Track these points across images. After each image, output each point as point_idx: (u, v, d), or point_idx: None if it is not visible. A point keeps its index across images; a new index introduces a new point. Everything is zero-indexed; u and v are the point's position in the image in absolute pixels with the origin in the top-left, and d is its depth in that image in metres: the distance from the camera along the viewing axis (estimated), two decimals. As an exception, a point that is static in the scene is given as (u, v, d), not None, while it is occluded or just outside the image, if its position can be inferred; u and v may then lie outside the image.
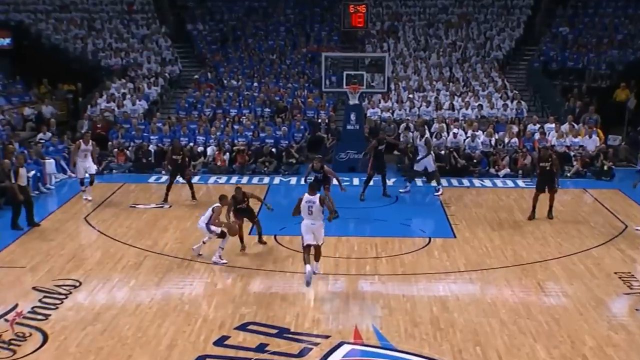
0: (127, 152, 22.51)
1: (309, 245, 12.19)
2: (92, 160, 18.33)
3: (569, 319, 11.17)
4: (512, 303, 11.74)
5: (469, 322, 11.00)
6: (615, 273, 13.09)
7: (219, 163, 22.06)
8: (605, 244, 14.80)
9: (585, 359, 9.86)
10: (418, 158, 19.02)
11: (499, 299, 11.94)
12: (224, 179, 21.15)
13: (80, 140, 18.46)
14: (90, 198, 18.03)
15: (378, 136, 19.42)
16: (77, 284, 12.43)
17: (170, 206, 17.72)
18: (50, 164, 20.02)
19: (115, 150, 22.45)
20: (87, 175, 18.29)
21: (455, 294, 12.12)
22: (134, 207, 17.69)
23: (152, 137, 22.90)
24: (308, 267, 11.98)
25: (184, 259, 13.70)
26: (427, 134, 20.07)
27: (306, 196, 12.26)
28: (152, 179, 21.16)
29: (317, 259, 12.56)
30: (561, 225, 16.07)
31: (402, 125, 23.72)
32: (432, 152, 19.20)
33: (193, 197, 18.07)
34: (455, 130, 22.49)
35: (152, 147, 22.57)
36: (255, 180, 20.95)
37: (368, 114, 24.86)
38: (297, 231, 14.77)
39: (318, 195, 12.27)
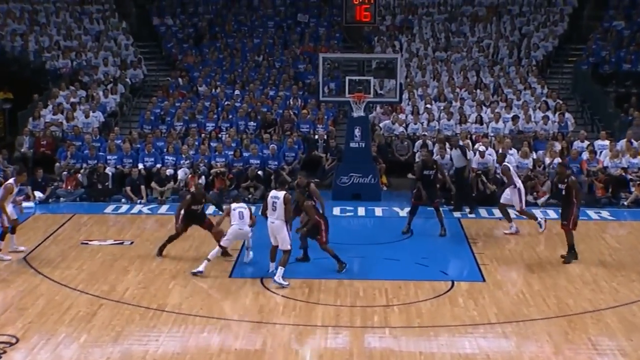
0: (79, 175, 22.53)
1: (275, 247, 14.80)
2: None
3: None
4: (556, 363, 11.69)
5: (502, 386, 10.93)
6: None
7: (192, 189, 22.05)
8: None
9: None
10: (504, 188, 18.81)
11: (540, 358, 11.88)
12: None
13: (12, 182, 16.54)
14: (22, 248, 17.00)
15: (425, 157, 19.33)
16: (14, 340, 12.34)
17: (132, 242, 17.68)
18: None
19: (64, 173, 22.47)
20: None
21: (485, 352, 12.06)
22: (87, 243, 17.65)
23: (109, 158, 22.93)
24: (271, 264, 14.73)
25: (148, 308, 13.64)
26: (465, 151, 20.82)
27: (272, 191, 14.88)
28: (109, 208, 21.13)
29: (282, 263, 14.53)
30: (617, 267, 16.03)
31: (418, 143, 23.78)
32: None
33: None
34: (482, 148, 22.53)
35: (109, 170, 22.59)
36: (236, 210, 20.97)
37: (376, 129, 24.95)
38: (288, 273, 14.81)
39: (284, 192, 14.49)
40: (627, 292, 14.49)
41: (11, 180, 16.69)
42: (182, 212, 16.18)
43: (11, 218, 16.39)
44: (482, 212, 20.81)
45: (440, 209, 18.70)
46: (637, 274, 15.57)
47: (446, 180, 20.02)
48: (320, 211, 15.83)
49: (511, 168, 18.62)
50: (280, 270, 14.49)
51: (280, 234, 14.59)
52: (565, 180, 16.20)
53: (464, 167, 20.74)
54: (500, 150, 22.57)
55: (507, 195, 18.37)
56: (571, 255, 16.19)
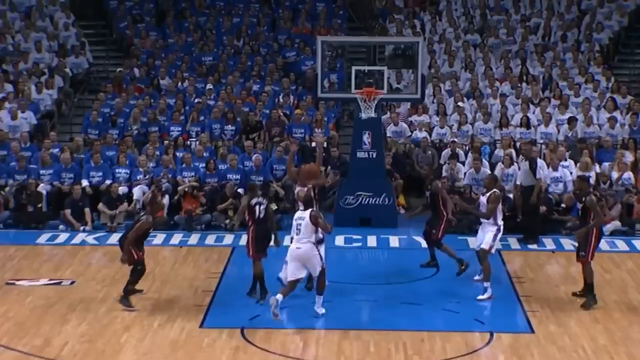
0: (2, 194, 22.51)
1: (293, 282, 15.27)
2: None
3: None
4: None
5: None
6: None
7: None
8: None
9: None
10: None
11: None
12: (160, 237, 21.11)
13: None
14: None
15: (424, 173, 19.38)
16: None
17: (73, 282, 17.66)
18: None
19: (-17, 192, 22.51)
20: None
21: None
22: (13, 284, 17.63)
23: (43, 172, 22.91)
24: (278, 296, 14.83)
25: (93, 368, 13.64)
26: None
27: (297, 213, 15.53)
28: (43, 238, 21.12)
29: (318, 291, 15.47)
30: None
31: (446, 152, 23.82)
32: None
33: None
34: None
35: (43, 188, 22.57)
36: (211, 239, 21.01)
37: (389, 134, 25.00)
38: (274, 322, 14.80)
39: (309, 210, 15.17)
40: None
41: None
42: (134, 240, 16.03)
43: None
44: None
45: (442, 243, 18.17)
46: None
47: (446, 205, 18.28)
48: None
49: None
50: (319, 299, 15.48)
51: (312, 258, 15.27)
52: (584, 198, 16.11)
53: (532, 187, 20.54)
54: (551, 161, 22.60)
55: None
56: (591, 298, 16.10)
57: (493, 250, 16.84)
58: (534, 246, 20.49)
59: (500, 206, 16.81)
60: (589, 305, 15.97)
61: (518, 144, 24.14)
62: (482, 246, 16.58)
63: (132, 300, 15.75)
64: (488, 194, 16.59)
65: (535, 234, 20.80)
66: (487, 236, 16.64)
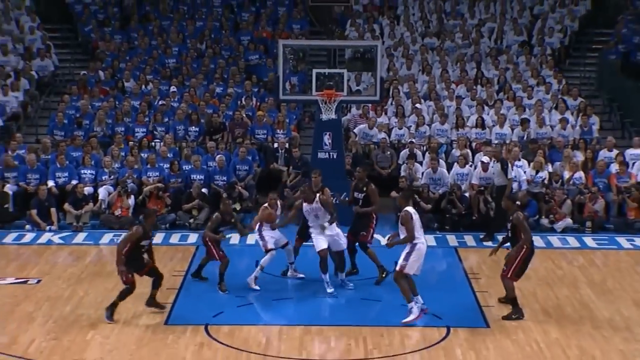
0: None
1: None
2: None
3: None
4: None
5: None
6: None
7: (118, 212, 21.97)
8: None
9: None
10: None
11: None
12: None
13: None
14: None
15: (358, 174, 18.52)
16: None
17: (39, 281, 17.56)
18: None
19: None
20: None
21: (491, 417, 12.12)
22: (-20, 282, 17.54)
23: (7, 174, 22.74)
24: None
25: (59, 365, 13.57)
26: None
27: (305, 205, 15.94)
28: (10, 237, 20.98)
29: (339, 268, 16.77)
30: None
31: (404, 152, 23.89)
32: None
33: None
34: (485, 159, 22.63)
35: (9, 188, 22.43)
36: (175, 238, 20.99)
37: (351, 135, 25.03)
38: (238, 319, 14.80)
39: (317, 197, 15.83)
40: (668, 340, 14.61)
41: None
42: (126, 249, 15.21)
43: None
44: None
45: (369, 246, 17.69)
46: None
47: (373, 209, 17.77)
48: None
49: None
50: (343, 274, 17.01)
51: (339, 233, 16.71)
52: (510, 217, 15.54)
53: (505, 187, 20.55)
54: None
55: None
56: (515, 311, 15.44)
57: (411, 271, 15.14)
58: (489, 243, 20.58)
59: (417, 224, 15.32)
60: (509, 318, 15.32)
61: (474, 144, 24.27)
62: (396, 268, 15.17)
63: (114, 316, 15.03)
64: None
65: (493, 233, 20.79)
66: (401, 256, 15.22)
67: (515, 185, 21.96)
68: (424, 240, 15.32)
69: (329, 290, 16.48)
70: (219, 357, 13.80)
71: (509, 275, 15.32)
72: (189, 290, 16.96)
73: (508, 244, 15.69)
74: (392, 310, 15.85)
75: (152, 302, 15.47)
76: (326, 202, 16.68)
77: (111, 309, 15.02)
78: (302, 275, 17.49)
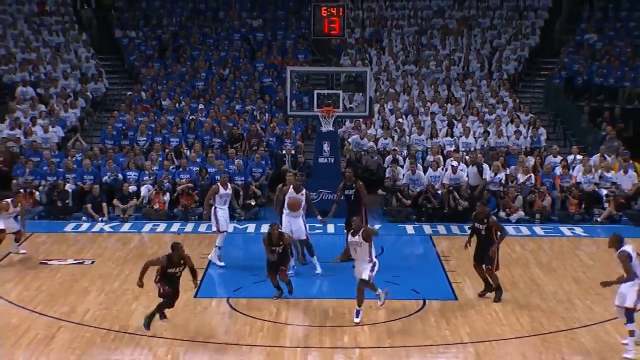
0: (37, 193, 22.35)
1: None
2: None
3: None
4: (530, 383, 11.76)
5: (475, 408, 10.98)
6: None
7: (156, 206, 21.99)
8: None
9: None
10: None
11: (514, 378, 11.95)
12: (163, 226, 21.07)
13: (9, 202, 17.75)
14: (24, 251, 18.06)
15: (347, 175, 18.26)
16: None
17: (93, 262, 17.58)
18: None
19: (22, 191, 22.27)
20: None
21: (458, 372, 12.12)
22: (46, 263, 17.52)
23: (68, 175, 22.76)
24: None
25: (110, 330, 13.56)
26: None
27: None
28: (70, 227, 21.00)
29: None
30: (591, 285, 16.15)
31: (388, 158, 23.89)
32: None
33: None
34: (454, 164, 22.67)
35: (69, 187, 22.44)
36: (203, 227, 20.87)
37: (346, 144, 25.04)
38: (254, 293, 14.81)
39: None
40: (602, 311, 14.59)
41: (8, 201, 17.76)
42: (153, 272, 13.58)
43: None
44: (454, 228, 20.93)
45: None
46: (611, 292, 15.64)
47: (364, 202, 17.78)
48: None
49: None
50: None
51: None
52: (485, 220, 14.92)
53: (482, 187, 20.59)
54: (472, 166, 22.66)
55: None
56: (500, 293, 15.14)
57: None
58: (457, 231, 20.57)
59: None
60: (499, 300, 14.99)
61: (445, 152, 24.26)
62: (362, 277, 14.00)
63: (152, 324, 13.45)
64: (361, 232, 14.08)
65: None
66: (365, 269, 14.05)
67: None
68: None
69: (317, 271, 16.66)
70: (239, 323, 13.84)
71: (494, 270, 15.02)
72: (214, 270, 16.98)
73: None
74: (379, 286, 15.84)
75: (149, 319, 13.45)
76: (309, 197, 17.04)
77: (150, 319, 13.41)
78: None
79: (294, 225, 16.64)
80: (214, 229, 17.48)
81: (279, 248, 14.73)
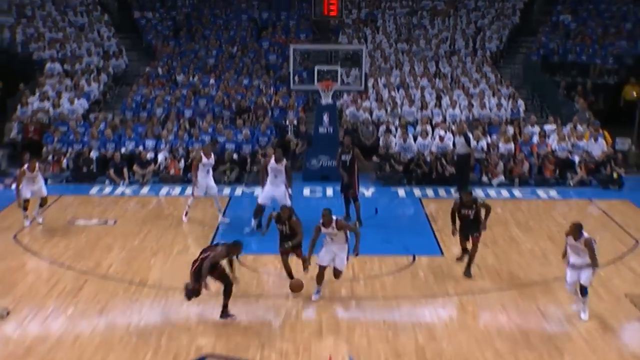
0: (64, 159, 22.31)
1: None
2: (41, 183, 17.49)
3: (574, 348, 11.26)
4: (509, 331, 11.81)
5: (459, 352, 11.03)
6: (626, 295, 13.22)
7: (172, 171, 21.96)
8: (613, 263, 14.95)
9: (592, 394, 9.94)
10: None
11: (494, 326, 12.00)
12: (177, 189, 21.06)
13: (25, 169, 17.09)
14: (40, 220, 17.42)
15: (344, 141, 18.01)
16: (5, 313, 12.26)
17: (115, 222, 17.59)
18: (-28, 173, 19.86)
19: (51, 157, 22.26)
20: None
21: (444, 321, 12.17)
22: (73, 223, 17.54)
23: (93, 143, 22.69)
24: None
25: (131, 283, 13.60)
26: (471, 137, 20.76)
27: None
28: (94, 190, 20.98)
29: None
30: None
31: (382, 128, 23.82)
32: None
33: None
34: (441, 132, 22.62)
35: (93, 154, 22.40)
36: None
37: (345, 115, 24.96)
38: (261, 249, 14.83)
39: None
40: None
41: (24, 167, 17.19)
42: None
43: (21, 198, 16.94)
44: (441, 192, 20.90)
45: (358, 200, 17.32)
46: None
47: (364, 165, 17.92)
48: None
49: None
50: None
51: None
52: (473, 205, 14.04)
53: (467, 154, 20.51)
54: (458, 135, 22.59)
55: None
56: (471, 266, 14.20)
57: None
58: (444, 194, 20.57)
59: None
60: (469, 274, 14.08)
61: (433, 122, 24.18)
62: (341, 269, 13.03)
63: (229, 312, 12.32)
64: (333, 223, 12.78)
65: (466, 187, 20.64)
66: (343, 260, 13.03)
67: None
68: None
69: (246, 230, 16.45)
70: (247, 276, 13.85)
71: (480, 238, 14.20)
72: (224, 230, 16.99)
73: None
74: (373, 244, 15.88)
75: (224, 312, 12.26)
76: (289, 168, 16.46)
77: (225, 311, 12.17)
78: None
79: (276, 192, 16.33)
80: (191, 192, 17.65)
81: (285, 227, 13.42)
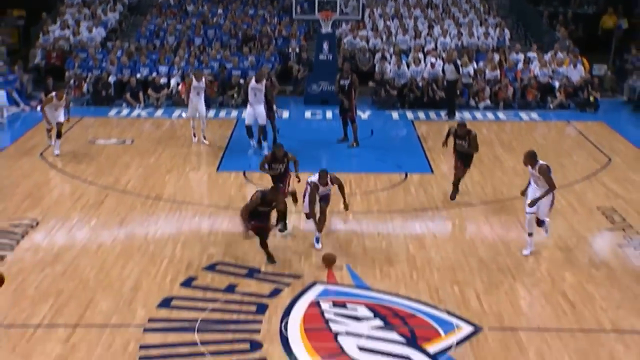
0: (85, 84, 22.15)
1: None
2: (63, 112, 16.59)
3: (549, 256, 11.39)
4: (491, 241, 11.93)
5: (446, 260, 11.17)
6: (598, 208, 13.33)
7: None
8: (588, 178, 15.01)
9: (565, 297, 10.09)
10: None
11: (478, 236, 12.12)
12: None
13: (53, 96, 16.29)
14: (58, 152, 16.38)
15: (343, 67, 17.98)
16: (34, 223, 12.37)
17: (132, 141, 17.57)
18: (0, 96, 19.69)
19: (72, 81, 22.09)
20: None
21: (432, 232, 12.28)
22: (93, 142, 17.53)
23: (111, 68, 22.47)
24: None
25: (147, 197, 13.67)
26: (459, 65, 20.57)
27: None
28: (112, 112, 20.89)
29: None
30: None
31: (378, 55, 23.57)
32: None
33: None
34: (433, 60, 22.40)
35: (111, 79, 22.23)
36: (222, 113, 20.78)
37: (343, 43, 24.67)
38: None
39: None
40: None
41: (52, 94, 16.39)
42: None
43: (51, 122, 16.34)
44: (432, 114, 20.81)
45: (355, 122, 17.05)
46: (559, 165, 15.62)
47: (353, 93, 16.98)
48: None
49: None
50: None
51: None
52: (467, 137, 13.37)
53: (456, 80, 20.40)
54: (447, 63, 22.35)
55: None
56: (456, 191, 13.71)
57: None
58: (434, 117, 20.49)
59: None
60: (454, 197, 13.61)
61: (425, 50, 23.90)
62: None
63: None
64: (328, 180, 11.66)
65: (454, 111, 20.58)
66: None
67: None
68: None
69: (249, 151, 16.38)
70: (253, 191, 13.89)
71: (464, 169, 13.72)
72: (232, 149, 16.98)
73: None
74: (369, 162, 15.92)
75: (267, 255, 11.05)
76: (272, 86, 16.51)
77: (269, 257, 11.01)
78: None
79: (256, 110, 16.14)
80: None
81: (281, 165, 12.53)
